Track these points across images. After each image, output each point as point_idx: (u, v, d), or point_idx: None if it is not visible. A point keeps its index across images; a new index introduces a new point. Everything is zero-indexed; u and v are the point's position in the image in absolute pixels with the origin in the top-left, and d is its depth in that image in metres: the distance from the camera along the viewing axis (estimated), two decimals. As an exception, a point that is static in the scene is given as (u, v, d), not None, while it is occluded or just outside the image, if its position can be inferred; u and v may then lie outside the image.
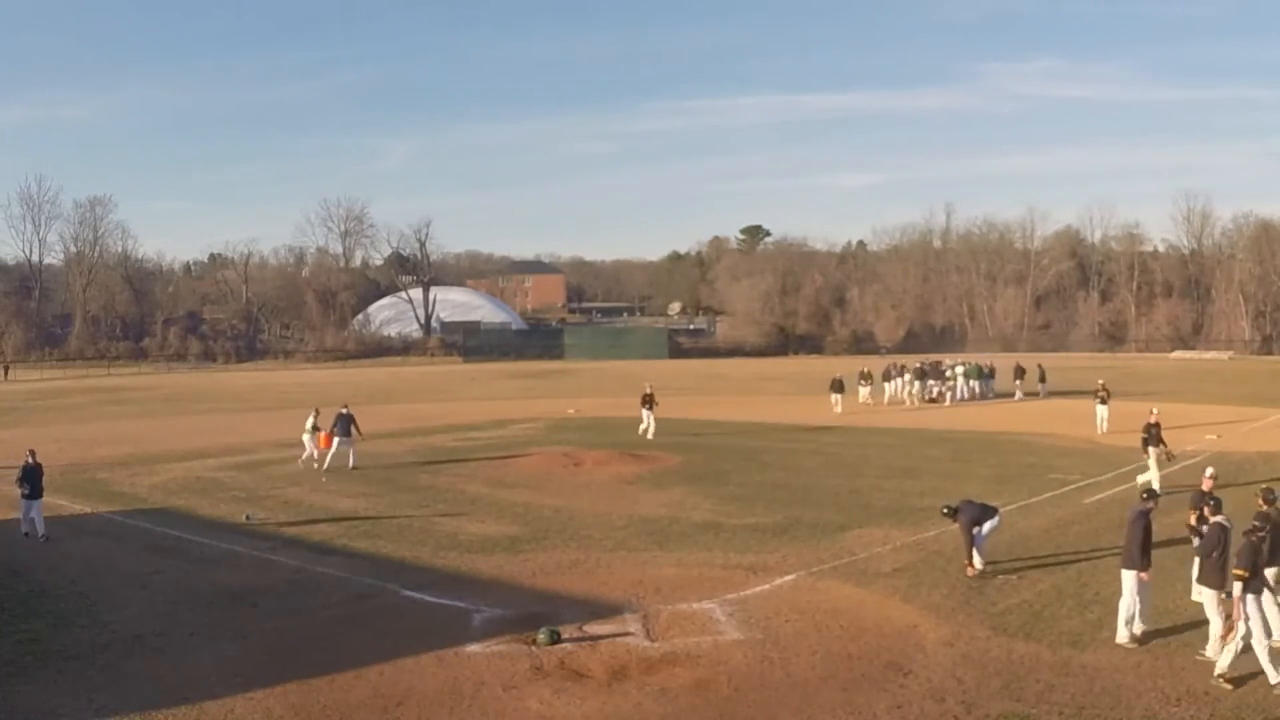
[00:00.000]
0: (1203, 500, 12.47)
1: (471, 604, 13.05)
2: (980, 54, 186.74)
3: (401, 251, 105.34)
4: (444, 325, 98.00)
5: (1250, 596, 9.77)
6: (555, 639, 11.37)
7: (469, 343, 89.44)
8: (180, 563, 15.76)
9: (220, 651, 11.46)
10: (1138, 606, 11.11)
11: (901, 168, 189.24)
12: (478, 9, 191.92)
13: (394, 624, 12.39)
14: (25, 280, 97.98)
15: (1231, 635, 9.86)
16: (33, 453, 18.19)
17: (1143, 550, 11.12)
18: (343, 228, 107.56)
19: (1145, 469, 20.78)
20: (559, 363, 79.14)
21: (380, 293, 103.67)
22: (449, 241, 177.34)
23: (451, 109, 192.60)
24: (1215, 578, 10.63)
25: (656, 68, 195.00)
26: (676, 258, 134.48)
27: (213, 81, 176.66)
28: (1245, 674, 9.84)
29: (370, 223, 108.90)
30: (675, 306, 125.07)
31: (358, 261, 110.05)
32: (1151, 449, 20.62)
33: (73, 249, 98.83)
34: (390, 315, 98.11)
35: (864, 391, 39.07)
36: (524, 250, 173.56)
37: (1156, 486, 18.63)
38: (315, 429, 25.33)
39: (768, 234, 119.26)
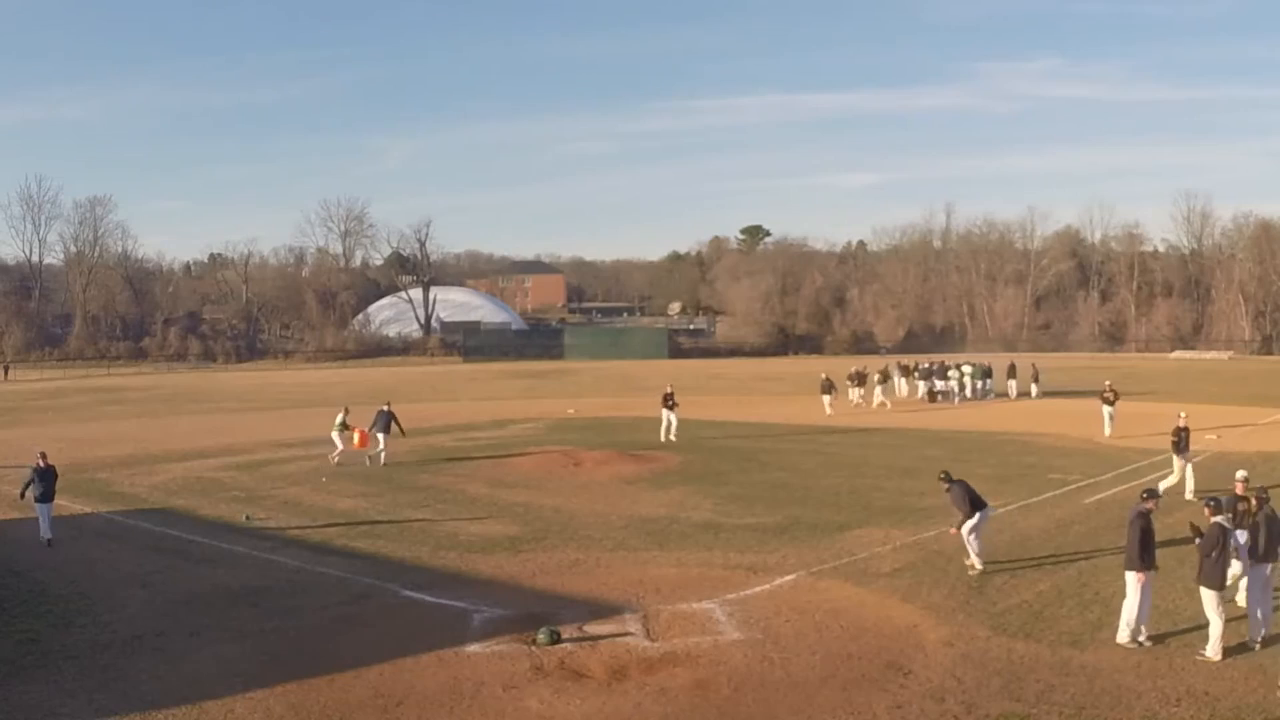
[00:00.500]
0: (1234, 504, 12.18)
1: (471, 604, 13.05)
2: (980, 54, 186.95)
3: (401, 251, 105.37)
4: (444, 325, 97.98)
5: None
6: (555, 639, 11.38)
7: (469, 343, 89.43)
8: (180, 563, 15.77)
9: (220, 651, 11.46)
10: (1141, 609, 11.02)
11: (901, 168, 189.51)
12: (478, 9, 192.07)
13: (394, 624, 12.39)
14: (25, 280, 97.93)
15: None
16: (44, 455, 17.86)
17: (1141, 551, 11.07)
18: (343, 228, 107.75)
19: (1159, 472, 20.61)
20: (559, 363, 79.14)
21: (380, 293, 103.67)
22: (449, 241, 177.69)
23: (451, 109, 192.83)
24: (1215, 578, 10.64)
25: (656, 68, 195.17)
26: (676, 258, 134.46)
27: (213, 81, 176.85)
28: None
29: (370, 223, 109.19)
30: (675, 306, 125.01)
31: (358, 261, 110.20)
32: (1180, 453, 19.84)
33: (73, 249, 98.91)
34: (390, 315, 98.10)
35: (854, 393, 38.80)
36: (524, 250, 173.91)
37: (1190, 490, 18.59)
38: (345, 426, 25.49)
39: (768, 234, 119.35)
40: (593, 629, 11.90)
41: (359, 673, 10.63)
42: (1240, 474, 13.28)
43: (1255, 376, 53.50)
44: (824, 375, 37.66)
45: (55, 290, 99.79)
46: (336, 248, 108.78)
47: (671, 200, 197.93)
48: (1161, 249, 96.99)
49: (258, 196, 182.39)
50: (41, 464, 17.46)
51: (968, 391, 41.98)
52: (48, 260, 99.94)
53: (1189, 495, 18.81)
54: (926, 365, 44.11)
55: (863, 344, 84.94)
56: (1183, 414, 20.68)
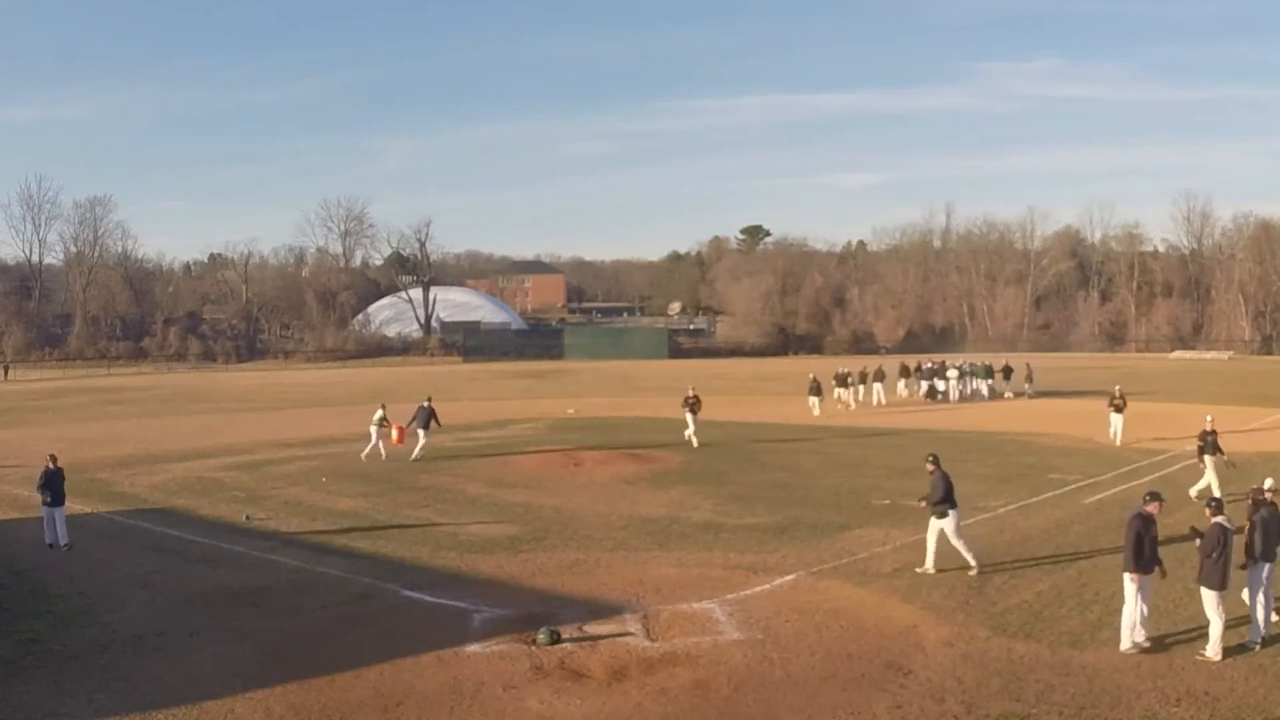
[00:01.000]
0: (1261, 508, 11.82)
1: (471, 604, 13.05)
2: (980, 54, 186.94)
3: (401, 251, 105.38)
4: (444, 325, 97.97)
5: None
6: (555, 639, 11.38)
7: (469, 343, 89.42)
8: (180, 563, 15.77)
9: (220, 651, 11.46)
10: (1139, 613, 10.95)
11: (901, 168, 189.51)
12: (478, 9, 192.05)
13: (394, 624, 12.40)
14: (25, 280, 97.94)
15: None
16: (54, 457, 17.41)
17: (1135, 553, 10.95)
18: (343, 228, 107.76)
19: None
20: (559, 363, 79.12)
21: (380, 293, 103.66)
22: (449, 241, 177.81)
23: (451, 109, 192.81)
24: (1215, 578, 10.64)
25: (656, 68, 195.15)
26: (676, 258, 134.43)
27: (213, 81, 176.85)
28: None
29: (370, 223, 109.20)
30: (675, 306, 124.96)
31: (358, 261, 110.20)
32: (1208, 457, 19.57)
33: (73, 249, 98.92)
34: (390, 315, 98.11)
35: (841, 394, 38.57)
36: (524, 250, 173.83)
37: (1218, 494, 18.36)
38: (384, 422, 25.99)
39: (768, 234, 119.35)
40: (593, 629, 11.90)
41: (359, 673, 10.63)
42: (1269, 482, 12.99)
43: (1255, 376, 53.50)
44: (811, 376, 37.50)
45: (55, 290, 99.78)
46: (336, 248, 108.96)
47: (671, 200, 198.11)
48: (1161, 249, 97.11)
49: (258, 196, 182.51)
50: (51, 466, 17.08)
51: (968, 389, 41.92)
52: (48, 260, 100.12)
53: (1193, 493, 18.73)
54: (929, 365, 44.08)
55: (863, 344, 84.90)
56: (1209, 417, 20.46)
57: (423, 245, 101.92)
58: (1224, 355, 76.54)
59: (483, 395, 49.53)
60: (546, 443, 29.39)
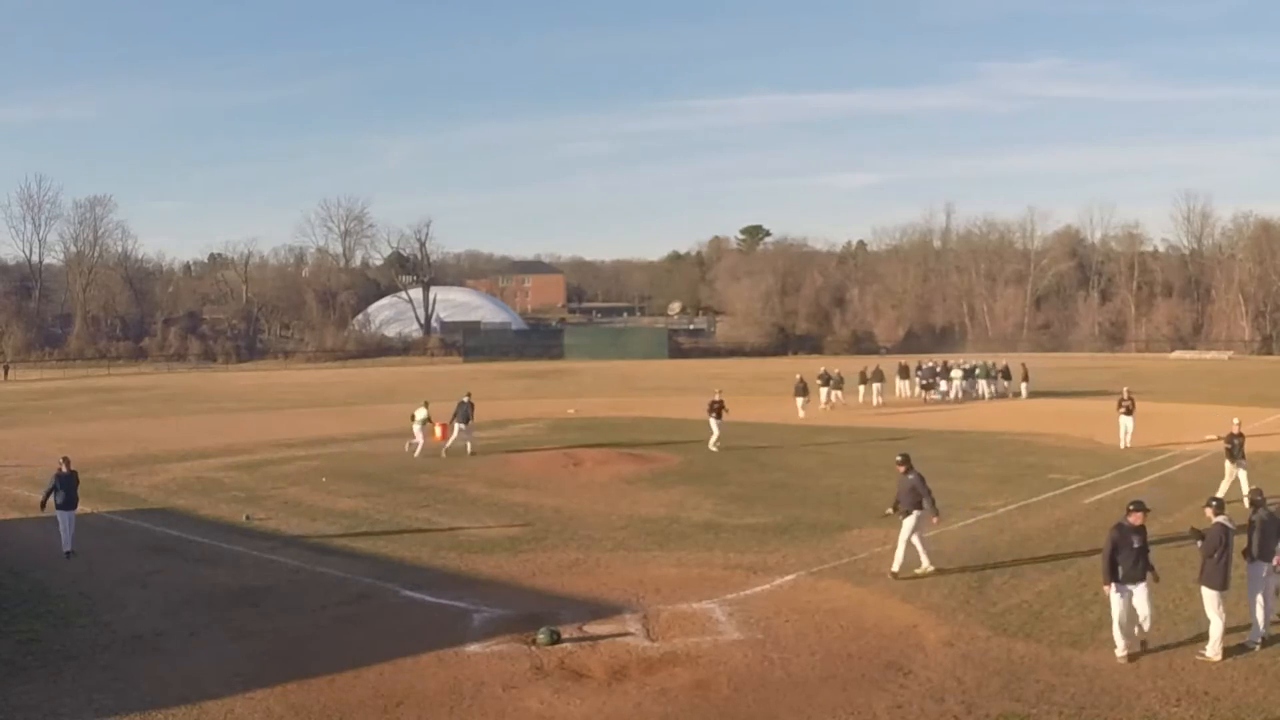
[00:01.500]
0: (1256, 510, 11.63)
1: (471, 604, 13.05)
2: (980, 54, 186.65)
3: (401, 251, 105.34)
4: (444, 325, 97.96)
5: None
6: (555, 639, 11.38)
7: (469, 343, 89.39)
8: (180, 563, 15.77)
9: (220, 651, 11.46)
10: (1137, 616, 10.78)
11: (901, 168, 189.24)
12: (478, 9, 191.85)
13: (394, 624, 12.40)
14: (25, 280, 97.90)
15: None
16: (66, 460, 16.94)
17: (1109, 565, 10.77)
18: (343, 228, 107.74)
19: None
20: (559, 363, 79.10)
21: (380, 293, 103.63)
22: (449, 241, 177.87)
23: (451, 109, 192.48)
24: (1217, 578, 10.63)
25: (656, 68, 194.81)
26: (676, 258, 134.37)
27: (213, 81, 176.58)
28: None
29: (370, 223, 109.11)
30: (675, 306, 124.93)
31: (358, 261, 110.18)
32: (1233, 461, 19.18)
33: (73, 249, 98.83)
34: (390, 315, 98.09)
35: (826, 394, 38.32)
36: (524, 250, 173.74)
37: (1220, 495, 18.16)
38: (428, 420, 26.73)
39: (768, 234, 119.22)
40: (593, 629, 11.90)
41: (359, 673, 10.63)
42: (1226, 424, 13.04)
43: (1255, 377, 53.49)
44: (798, 377, 37.27)
45: (55, 290, 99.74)
46: (336, 248, 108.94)
47: (671, 200, 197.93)
48: (1161, 249, 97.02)
49: (258, 196, 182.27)
50: (64, 469, 16.60)
51: (975, 390, 41.77)
52: (48, 260, 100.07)
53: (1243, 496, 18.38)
54: (929, 365, 44.05)
55: (863, 344, 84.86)
56: (1236, 420, 20.00)
57: (423, 245, 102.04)
58: (1224, 355, 76.52)
59: (483, 395, 49.34)
60: (546, 443, 29.40)
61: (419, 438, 26.49)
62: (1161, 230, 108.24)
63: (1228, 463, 19.36)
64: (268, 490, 22.07)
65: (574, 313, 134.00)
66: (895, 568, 13.99)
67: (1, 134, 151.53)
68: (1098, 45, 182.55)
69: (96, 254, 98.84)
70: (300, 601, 13.44)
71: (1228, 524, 10.85)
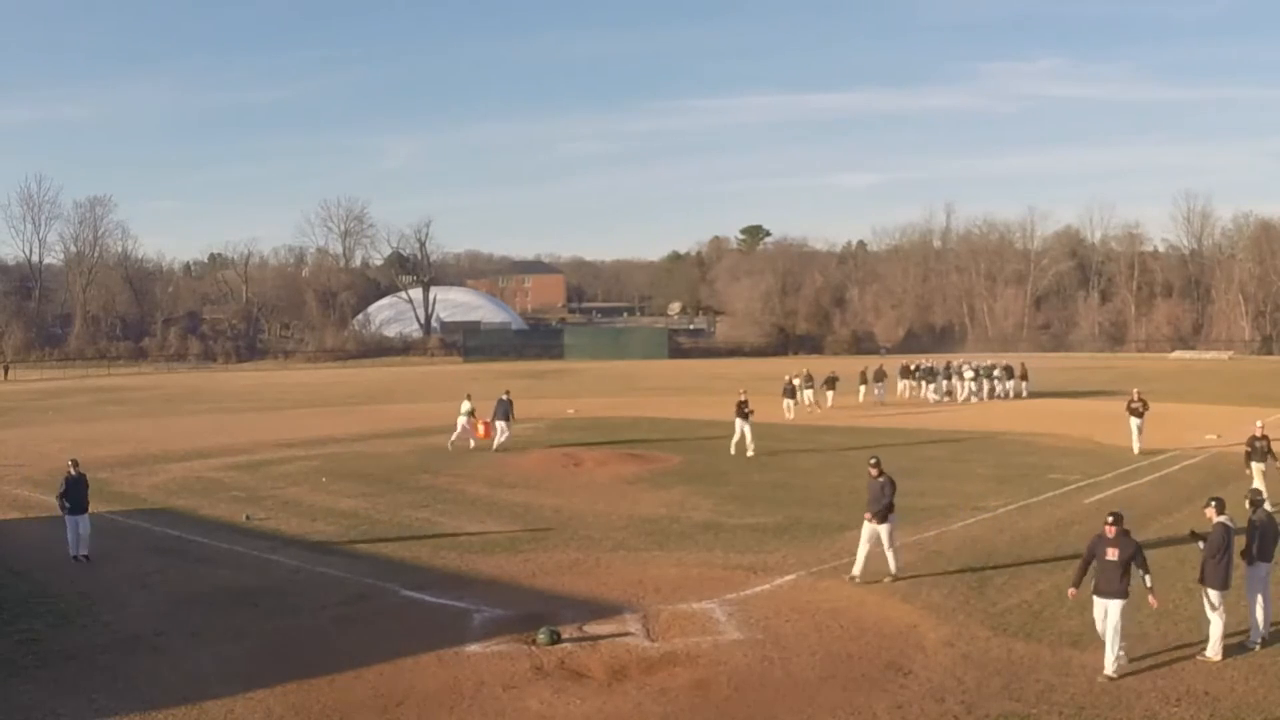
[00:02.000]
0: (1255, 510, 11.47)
1: (471, 604, 13.05)
2: (981, 54, 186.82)
3: (401, 251, 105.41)
4: (444, 325, 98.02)
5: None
6: (555, 639, 11.37)
7: (469, 343, 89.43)
8: (180, 563, 15.76)
9: (220, 651, 11.46)
10: (1101, 634, 10.26)
11: (901, 168, 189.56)
12: (478, 9, 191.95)
13: (394, 624, 12.39)
14: (25, 280, 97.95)
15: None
16: (75, 463, 16.66)
17: (1078, 570, 10.60)
18: (343, 228, 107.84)
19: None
20: (559, 363, 79.11)
21: (380, 293, 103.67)
22: (449, 241, 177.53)
23: (451, 109, 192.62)
24: (1218, 578, 10.62)
25: (656, 68, 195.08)
26: (676, 258, 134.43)
27: (213, 81, 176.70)
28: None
29: (370, 223, 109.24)
30: (675, 306, 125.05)
31: (358, 261, 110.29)
32: (1255, 464, 18.68)
33: (73, 249, 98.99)
34: (390, 315, 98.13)
35: (808, 395, 38.00)
36: (524, 250, 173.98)
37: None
38: (472, 413, 27.92)
39: (768, 234, 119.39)
40: (593, 629, 11.89)
41: (359, 673, 10.62)
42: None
43: (1255, 376, 53.49)
44: (787, 378, 36.83)
45: (55, 290, 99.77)
46: (336, 248, 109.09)
47: (671, 200, 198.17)
48: (1161, 249, 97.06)
49: (258, 196, 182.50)
50: (73, 472, 16.32)
51: (983, 391, 41.66)
52: (48, 260, 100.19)
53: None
54: (930, 365, 44.01)
55: (863, 344, 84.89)
56: (1259, 423, 19.69)
57: (423, 245, 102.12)
58: (1224, 355, 76.54)
59: (483, 395, 49.43)
60: (546, 443, 29.38)
61: (463, 430, 27.75)
62: (1161, 230, 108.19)
63: (1253, 464, 18.81)
64: (268, 490, 22.06)
65: (574, 313, 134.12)
66: (856, 571, 13.73)
67: (1, 134, 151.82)
68: (1098, 45, 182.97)
69: (96, 254, 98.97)
70: (300, 601, 13.43)
71: (1229, 524, 10.84)
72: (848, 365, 48.70)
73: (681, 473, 23.61)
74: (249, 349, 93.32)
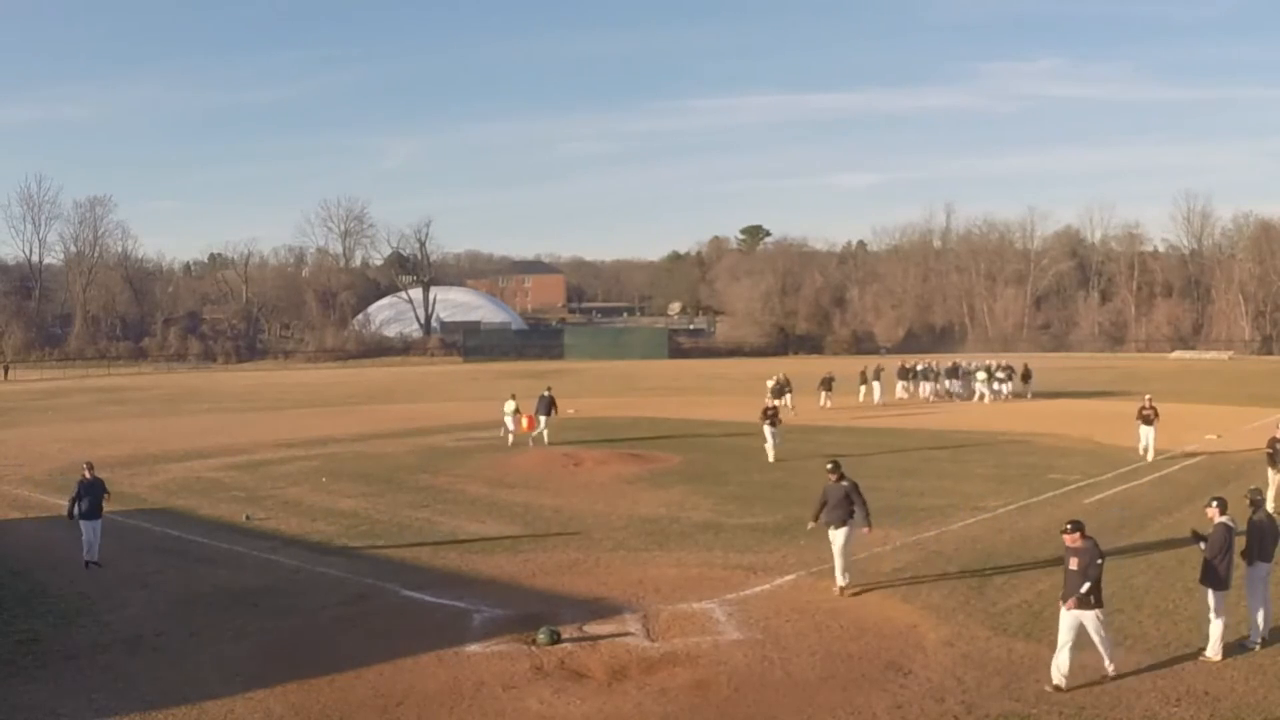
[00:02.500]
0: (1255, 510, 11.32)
1: (471, 604, 13.05)
2: (981, 54, 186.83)
3: (401, 251, 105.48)
4: (444, 325, 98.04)
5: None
6: (555, 639, 11.37)
7: (469, 343, 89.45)
8: (180, 563, 15.76)
9: (220, 651, 11.46)
10: (1065, 644, 9.94)
11: (901, 168, 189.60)
12: (478, 9, 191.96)
13: (394, 624, 12.39)
14: (25, 280, 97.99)
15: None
16: (90, 466, 16.14)
17: (1065, 579, 10.18)
18: (343, 228, 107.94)
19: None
20: (559, 363, 79.09)
21: (380, 293, 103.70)
22: (449, 241, 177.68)
23: (451, 109, 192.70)
24: (1218, 578, 10.62)
25: (656, 68, 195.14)
26: (676, 258, 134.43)
27: (213, 81, 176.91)
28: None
29: (370, 223, 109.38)
30: (675, 306, 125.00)
31: (358, 261, 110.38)
32: (1273, 468, 18.18)
33: (73, 249, 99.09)
34: (390, 315, 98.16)
35: (789, 399, 37.58)
36: (524, 250, 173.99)
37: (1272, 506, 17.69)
38: (517, 410, 28.87)
39: (768, 234, 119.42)
40: (593, 629, 11.89)
41: (359, 673, 10.62)
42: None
43: (1255, 376, 53.49)
44: (769, 384, 36.74)
45: (55, 290, 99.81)
46: (336, 248, 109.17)
47: (671, 200, 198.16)
48: (1161, 249, 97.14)
49: (258, 196, 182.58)
50: (87, 476, 15.74)
51: (991, 392, 41.51)
52: (48, 260, 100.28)
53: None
54: (927, 365, 43.99)
55: (863, 344, 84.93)
56: None
57: (423, 245, 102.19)
58: (1224, 355, 76.55)
59: (483, 395, 49.48)
60: (546, 443, 29.37)
61: (511, 427, 28.59)
62: (1161, 230, 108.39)
63: (1269, 470, 18.31)
64: (268, 490, 22.06)
65: (574, 313, 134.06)
66: (842, 582, 13.31)
67: (1, 134, 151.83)
68: (1098, 45, 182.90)
69: (96, 254, 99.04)
70: (300, 601, 13.43)
71: (1230, 524, 10.83)
72: (848, 365, 48.76)
73: (681, 473, 23.61)
74: (249, 349, 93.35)
